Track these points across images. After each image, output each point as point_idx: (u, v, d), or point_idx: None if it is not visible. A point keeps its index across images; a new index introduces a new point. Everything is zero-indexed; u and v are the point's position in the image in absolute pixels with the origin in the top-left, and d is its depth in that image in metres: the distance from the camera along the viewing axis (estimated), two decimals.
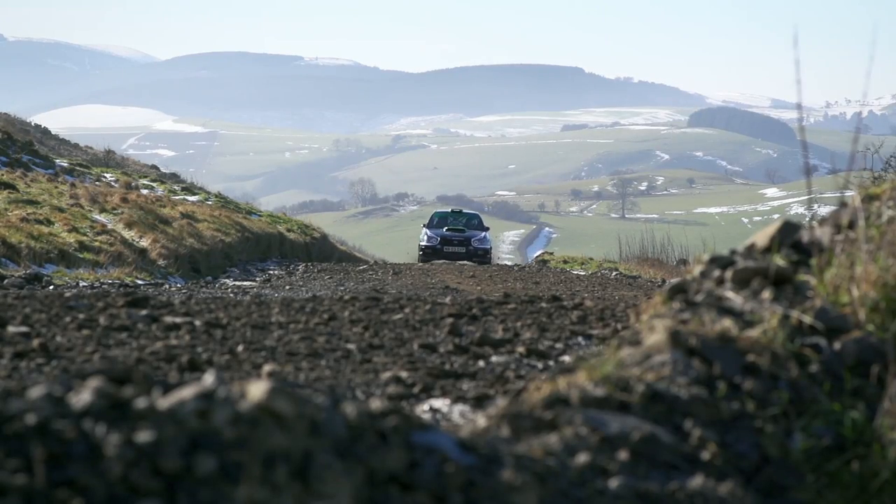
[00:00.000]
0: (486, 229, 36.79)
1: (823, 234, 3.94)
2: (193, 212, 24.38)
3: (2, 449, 2.06)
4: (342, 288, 15.28)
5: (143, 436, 2.12)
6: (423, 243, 35.52)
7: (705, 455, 2.94)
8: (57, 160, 33.34)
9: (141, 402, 2.20)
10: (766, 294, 3.61)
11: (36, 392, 2.21)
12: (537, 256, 40.84)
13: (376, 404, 2.46)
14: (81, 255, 16.22)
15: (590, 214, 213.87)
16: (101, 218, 20.24)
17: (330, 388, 5.33)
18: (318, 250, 31.05)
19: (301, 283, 16.77)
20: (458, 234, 35.57)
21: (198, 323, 6.93)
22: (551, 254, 40.98)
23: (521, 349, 6.57)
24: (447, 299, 10.12)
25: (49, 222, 17.89)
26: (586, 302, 10.24)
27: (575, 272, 23.87)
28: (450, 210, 38.87)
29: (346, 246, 45.59)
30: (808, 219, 4.32)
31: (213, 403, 2.20)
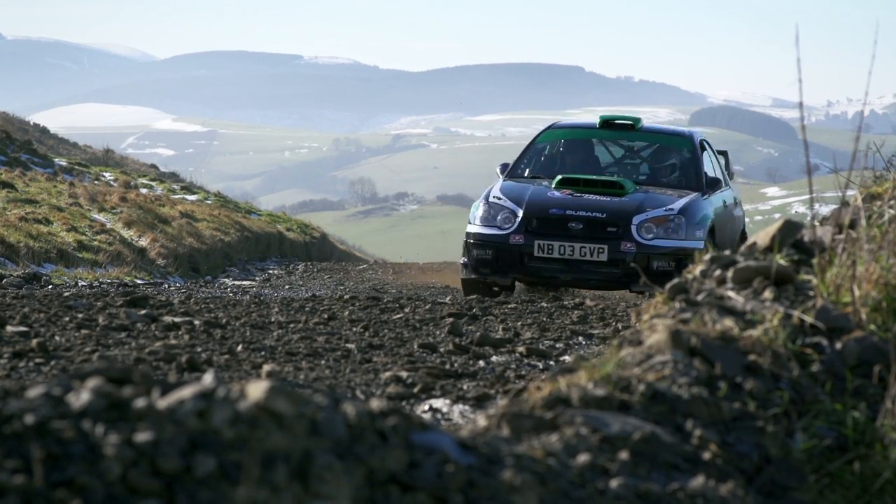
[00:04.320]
0: (713, 188, 12.82)
1: (825, 233, 3.93)
2: (193, 211, 24.38)
3: (0, 449, 2.05)
4: (342, 287, 15.28)
5: (142, 436, 2.11)
6: (489, 231, 11.74)
7: (706, 455, 2.94)
8: (56, 159, 33.33)
9: (140, 402, 2.19)
10: (768, 294, 3.61)
11: (34, 392, 2.21)
12: None
13: (376, 404, 2.45)
14: (80, 255, 16.23)
15: None
16: (100, 217, 20.24)
17: (330, 387, 5.32)
18: (318, 250, 30.92)
19: (301, 283, 16.77)
20: (600, 206, 11.82)
21: (197, 322, 6.93)
22: None
23: (521, 349, 6.56)
24: (447, 299, 10.10)
25: (48, 221, 17.89)
26: (587, 301, 10.23)
27: None
28: (596, 121, 13.62)
29: (346, 245, 45.28)
30: (809, 218, 4.32)
31: (213, 403, 2.19)
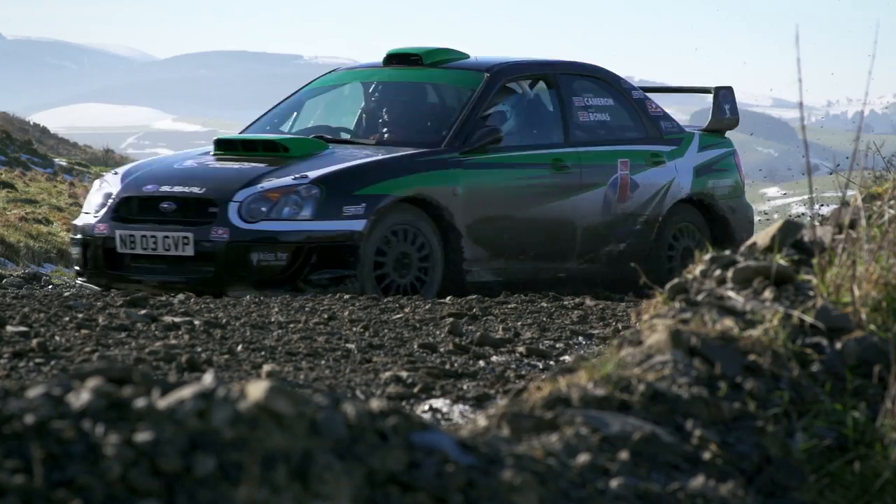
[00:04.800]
0: (480, 141, 8.99)
1: (825, 233, 3.93)
2: None
3: (0, 449, 2.05)
4: None
5: (142, 436, 2.11)
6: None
7: (706, 455, 2.94)
8: (56, 159, 33.32)
9: (140, 402, 2.19)
10: (768, 294, 3.61)
11: (35, 392, 2.21)
12: None
13: (376, 404, 2.45)
14: None
15: None
16: None
17: (330, 387, 5.32)
18: None
19: None
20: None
21: (197, 322, 6.92)
22: None
23: (521, 349, 6.56)
24: (447, 299, 10.10)
25: (48, 221, 17.89)
26: (587, 301, 10.23)
27: None
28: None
29: None
30: (809, 218, 4.32)
31: (213, 403, 2.19)
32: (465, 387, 5.48)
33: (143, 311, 7.13)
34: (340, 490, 2.18)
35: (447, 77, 9.43)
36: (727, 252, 3.97)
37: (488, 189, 9.17)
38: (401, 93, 9.59)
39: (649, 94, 10.64)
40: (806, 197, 4.09)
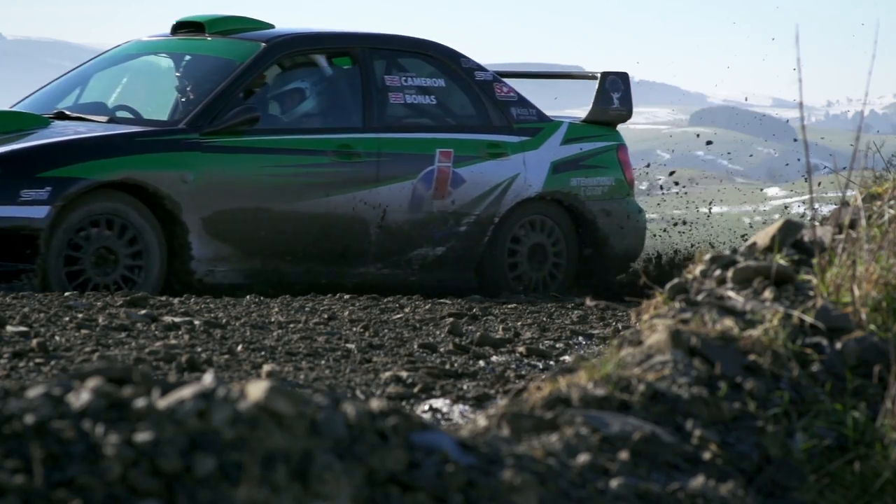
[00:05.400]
0: (224, 122, 7.73)
1: (825, 233, 3.94)
2: None
3: (0, 449, 2.05)
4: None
5: (142, 436, 2.12)
6: None
7: (706, 455, 2.94)
8: None
9: (140, 402, 2.20)
10: (768, 294, 3.61)
11: (34, 392, 2.21)
12: None
13: (376, 404, 2.45)
14: None
15: None
16: None
17: (330, 387, 5.32)
18: None
19: None
20: None
21: (197, 322, 6.92)
22: None
23: (521, 349, 6.56)
24: (447, 299, 10.10)
25: None
26: (587, 301, 10.22)
27: None
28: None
29: None
30: (809, 218, 4.33)
31: (213, 403, 2.20)
32: (465, 387, 5.48)
33: (143, 311, 7.13)
34: (340, 490, 2.18)
35: (223, 48, 8.20)
36: (728, 254, 3.97)
37: (234, 177, 7.88)
38: (173, 65, 8.44)
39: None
40: (806, 197, 4.09)
